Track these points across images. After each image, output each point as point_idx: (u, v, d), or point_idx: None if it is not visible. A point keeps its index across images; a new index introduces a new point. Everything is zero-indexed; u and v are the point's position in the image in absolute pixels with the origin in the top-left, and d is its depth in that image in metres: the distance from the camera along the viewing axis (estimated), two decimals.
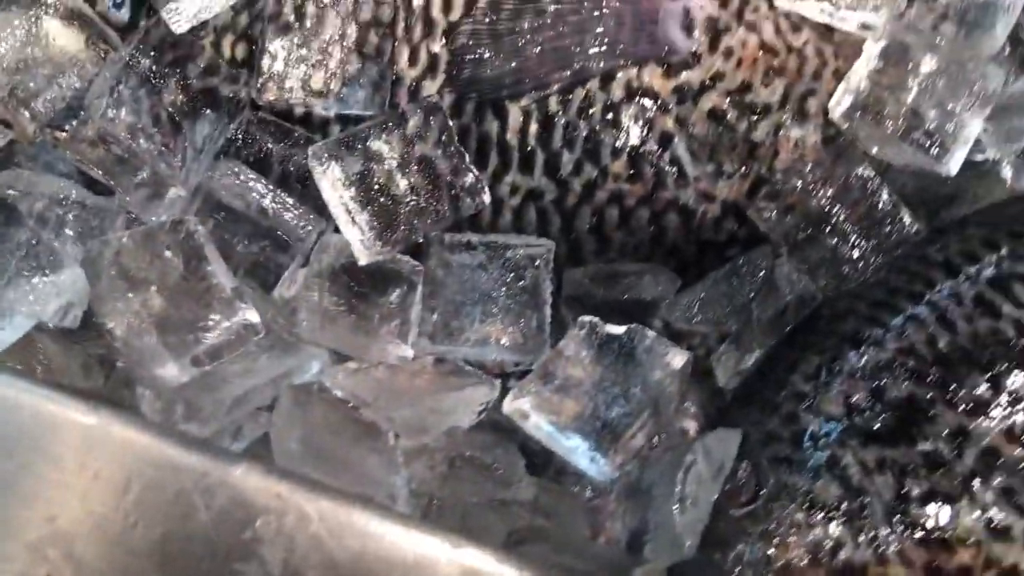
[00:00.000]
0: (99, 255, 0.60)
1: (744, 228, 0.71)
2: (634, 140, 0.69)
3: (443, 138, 0.66)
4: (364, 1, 0.68)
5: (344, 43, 0.68)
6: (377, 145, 0.66)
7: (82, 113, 0.67)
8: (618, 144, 0.69)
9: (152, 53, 0.66)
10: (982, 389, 0.59)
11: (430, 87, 0.70)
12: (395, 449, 0.62)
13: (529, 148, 0.69)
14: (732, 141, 0.70)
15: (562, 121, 0.69)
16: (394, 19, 0.69)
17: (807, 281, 0.69)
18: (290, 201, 0.67)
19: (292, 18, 0.67)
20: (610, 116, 0.69)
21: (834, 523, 0.58)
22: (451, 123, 0.66)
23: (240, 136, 0.69)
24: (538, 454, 0.68)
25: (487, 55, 0.69)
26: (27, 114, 0.67)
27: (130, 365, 0.59)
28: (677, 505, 0.59)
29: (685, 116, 0.69)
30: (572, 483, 0.68)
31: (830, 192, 0.69)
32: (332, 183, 0.65)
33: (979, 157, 0.70)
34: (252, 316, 0.62)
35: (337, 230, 0.66)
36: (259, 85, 0.67)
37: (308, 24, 0.68)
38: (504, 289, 0.67)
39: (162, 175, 0.67)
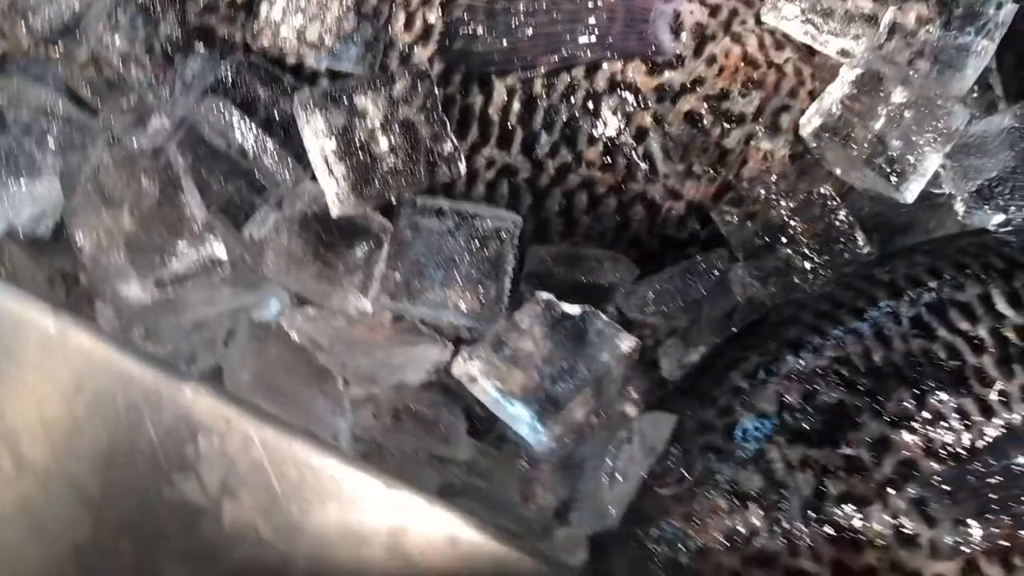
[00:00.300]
0: (78, 169, 0.61)
1: (706, 230, 0.74)
2: (611, 131, 0.72)
3: (427, 104, 0.68)
4: None
5: (343, 0, 0.70)
6: (363, 102, 0.68)
7: (78, 33, 0.68)
8: (595, 133, 0.72)
9: None
10: (908, 404, 0.62)
11: (421, 54, 0.72)
12: (343, 394, 0.64)
13: (509, 125, 0.72)
14: (704, 144, 0.73)
15: (544, 103, 0.71)
16: None
17: (759, 287, 0.71)
18: (271, 145, 0.68)
19: None
20: (591, 105, 0.71)
21: (753, 512, 0.61)
22: (437, 91, 0.68)
23: (230, 77, 0.70)
24: (481, 420, 0.70)
25: (480, 31, 0.71)
26: (24, 27, 0.68)
27: (94, 281, 0.61)
28: (606, 477, 0.61)
29: (663, 115, 0.72)
30: (509, 452, 0.70)
31: (791, 206, 0.72)
32: (315, 132, 0.67)
33: (935, 191, 0.73)
34: (220, 251, 0.63)
35: (313, 179, 0.67)
36: (255, 30, 0.69)
37: None
38: (468, 257, 0.69)
39: (148, 104, 0.68)
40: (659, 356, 0.73)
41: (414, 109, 0.68)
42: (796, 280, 0.71)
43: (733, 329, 0.72)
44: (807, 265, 0.71)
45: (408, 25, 0.72)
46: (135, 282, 0.60)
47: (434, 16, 0.71)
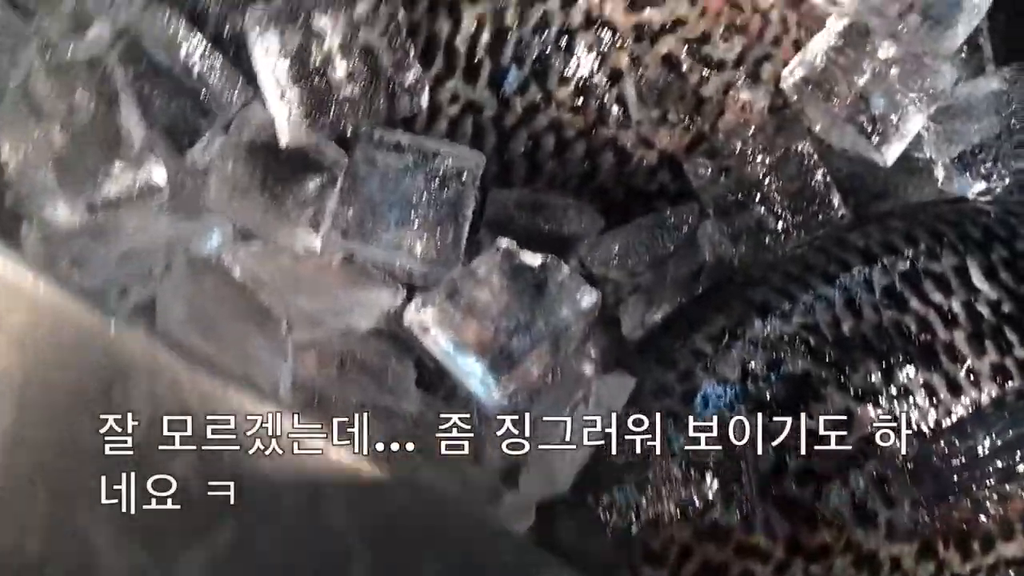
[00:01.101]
0: (5, 75, 0.56)
1: (676, 182, 0.70)
2: (584, 70, 0.68)
3: (391, 29, 0.64)
4: None
5: None
6: (321, 23, 0.63)
7: None
8: (567, 71, 0.67)
9: None
10: (875, 378, 0.60)
11: None
12: (286, 338, 0.60)
13: (477, 58, 0.67)
14: (681, 91, 0.69)
15: (515, 36, 0.67)
16: None
17: (727, 245, 0.68)
18: (220, 63, 0.63)
19: None
20: (565, 40, 0.67)
21: (708, 484, 0.58)
22: (402, 15, 0.63)
23: None
24: (431, 373, 0.66)
25: None
26: None
27: (20, 200, 0.56)
28: (559, 440, 0.59)
29: (640, 56, 0.68)
30: (459, 408, 0.67)
31: (767, 162, 0.69)
32: (267, 52, 0.62)
33: (915, 154, 0.71)
34: (159, 175, 0.59)
35: (264, 103, 0.63)
36: None
37: None
38: (426, 197, 0.65)
39: (88, 9, 0.63)
40: (621, 313, 0.70)
41: (376, 34, 0.64)
42: (767, 240, 0.68)
43: (699, 289, 0.69)
44: (780, 225, 0.68)
45: None
46: (64, 204, 0.56)
47: None
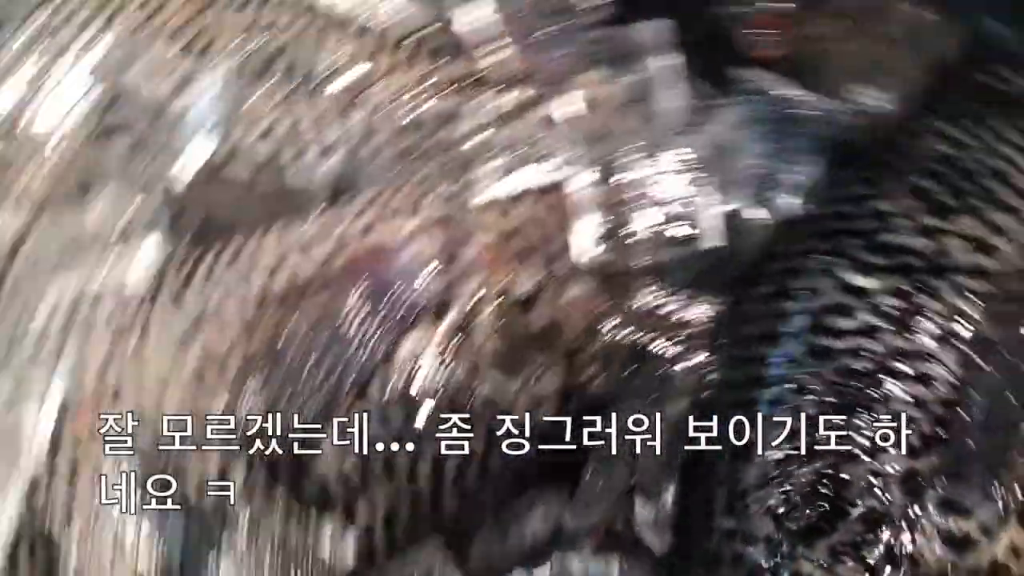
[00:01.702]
0: None
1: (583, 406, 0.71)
2: (445, 403, 0.68)
3: None
4: None
5: None
6: None
7: None
8: (433, 416, 0.67)
9: None
10: (867, 422, 0.61)
11: None
12: None
13: (352, 484, 0.66)
14: (524, 341, 0.70)
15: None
16: None
17: (665, 418, 0.69)
18: None
19: None
20: (410, 397, 0.67)
21: None
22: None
23: None
24: None
25: None
26: None
27: None
28: None
29: (478, 346, 0.68)
30: None
31: (629, 325, 0.70)
32: None
33: (727, 211, 0.73)
34: None
35: None
36: None
37: None
38: None
39: None
40: (639, 534, 0.70)
41: None
42: (689, 387, 0.69)
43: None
44: (683, 365, 0.69)
45: None
46: None
47: None
